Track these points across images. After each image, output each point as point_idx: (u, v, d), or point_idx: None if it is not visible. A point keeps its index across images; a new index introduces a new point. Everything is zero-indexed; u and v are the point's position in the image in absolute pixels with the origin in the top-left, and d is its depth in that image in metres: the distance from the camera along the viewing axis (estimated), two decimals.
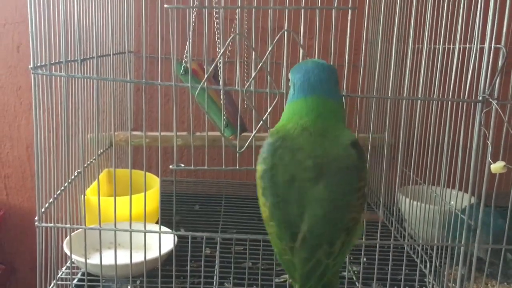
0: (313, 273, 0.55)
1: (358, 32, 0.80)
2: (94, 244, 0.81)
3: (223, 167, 0.75)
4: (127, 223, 0.74)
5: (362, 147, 0.57)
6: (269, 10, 0.69)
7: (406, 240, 0.94)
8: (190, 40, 0.70)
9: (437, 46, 0.74)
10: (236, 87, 0.72)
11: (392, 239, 0.77)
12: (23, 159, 1.40)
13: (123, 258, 0.78)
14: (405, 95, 0.78)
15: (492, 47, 0.67)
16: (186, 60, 0.87)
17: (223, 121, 0.85)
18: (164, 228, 0.86)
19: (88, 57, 0.81)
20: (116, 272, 0.76)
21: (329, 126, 0.56)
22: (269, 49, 0.67)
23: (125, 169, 1.05)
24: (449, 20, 0.72)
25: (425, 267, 0.89)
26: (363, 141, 1.02)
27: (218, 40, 0.82)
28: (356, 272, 0.92)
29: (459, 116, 0.74)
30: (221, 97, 0.75)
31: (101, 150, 1.04)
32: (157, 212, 0.90)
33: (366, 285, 0.86)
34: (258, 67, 0.68)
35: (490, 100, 0.67)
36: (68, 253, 0.82)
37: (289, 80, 0.61)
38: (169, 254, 0.84)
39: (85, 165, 0.88)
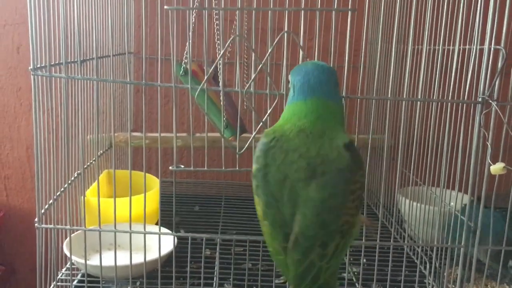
0: (307, 275, 0.55)
1: (357, 33, 0.80)
2: (94, 245, 0.81)
3: (223, 168, 0.75)
4: (127, 224, 0.74)
5: (359, 149, 0.57)
6: (269, 12, 0.69)
7: (406, 241, 0.94)
8: (190, 41, 0.70)
9: (436, 47, 0.74)
10: (236, 88, 0.72)
11: (392, 240, 0.77)
12: (23, 160, 1.40)
13: (123, 259, 0.78)
14: (404, 96, 0.78)
15: (492, 48, 0.67)
16: (186, 61, 0.87)
17: (223, 122, 0.85)
18: (164, 229, 0.86)
19: (88, 58, 0.81)
20: (116, 273, 0.76)
21: (328, 128, 0.55)
22: (269, 50, 0.67)
23: (125, 170, 1.05)
24: (448, 21, 0.72)
25: (425, 268, 0.89)
26: (363, 142, 1.04)
27: (218, 41, 0.82)
28: (356, 273, 0.92)
29: (458, 117, 0.74)
30: (221, 98, 0.75)
31: (101, 151, 1.04)
32: (157, 213, 0.90)
33: (366, 286, 0.85)
34: (258, 69, 0.68)
35: (490, 101, 0.67)
36: (68, 254, 0.82)
37: (289, 82, 0.61)
38: (169, 255, 0.84)
39: (85, 166, 0.88)
